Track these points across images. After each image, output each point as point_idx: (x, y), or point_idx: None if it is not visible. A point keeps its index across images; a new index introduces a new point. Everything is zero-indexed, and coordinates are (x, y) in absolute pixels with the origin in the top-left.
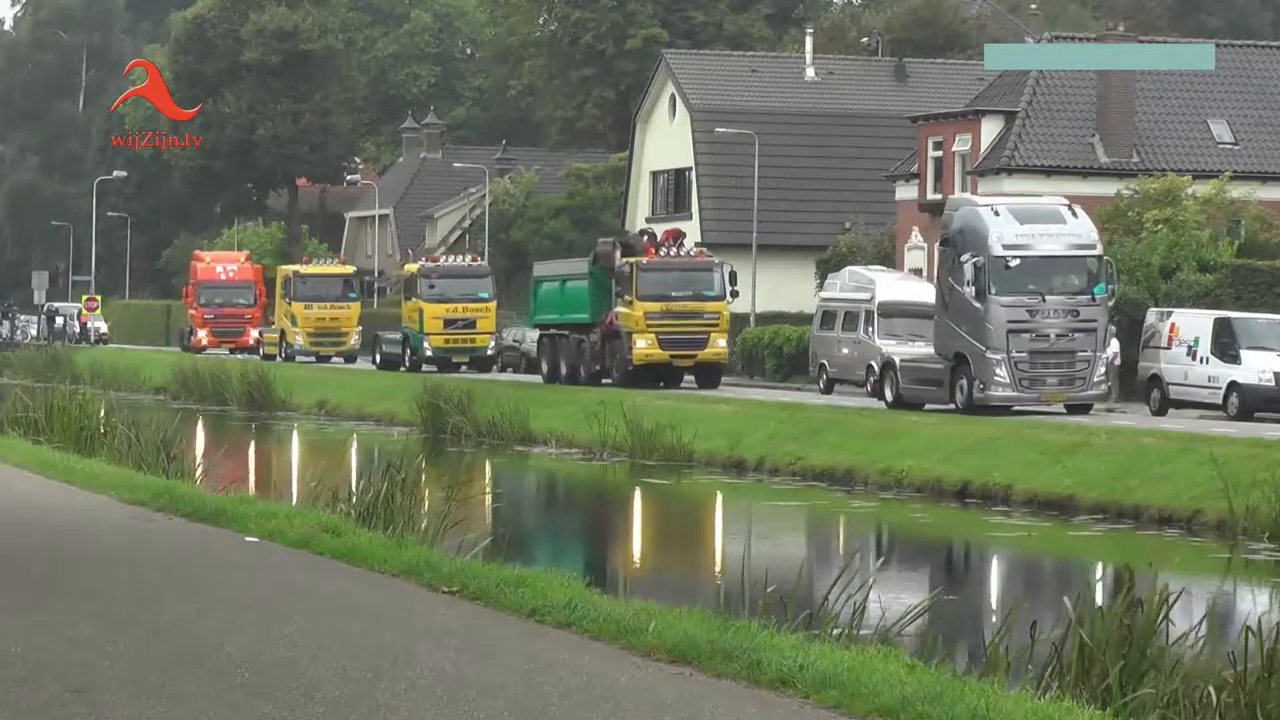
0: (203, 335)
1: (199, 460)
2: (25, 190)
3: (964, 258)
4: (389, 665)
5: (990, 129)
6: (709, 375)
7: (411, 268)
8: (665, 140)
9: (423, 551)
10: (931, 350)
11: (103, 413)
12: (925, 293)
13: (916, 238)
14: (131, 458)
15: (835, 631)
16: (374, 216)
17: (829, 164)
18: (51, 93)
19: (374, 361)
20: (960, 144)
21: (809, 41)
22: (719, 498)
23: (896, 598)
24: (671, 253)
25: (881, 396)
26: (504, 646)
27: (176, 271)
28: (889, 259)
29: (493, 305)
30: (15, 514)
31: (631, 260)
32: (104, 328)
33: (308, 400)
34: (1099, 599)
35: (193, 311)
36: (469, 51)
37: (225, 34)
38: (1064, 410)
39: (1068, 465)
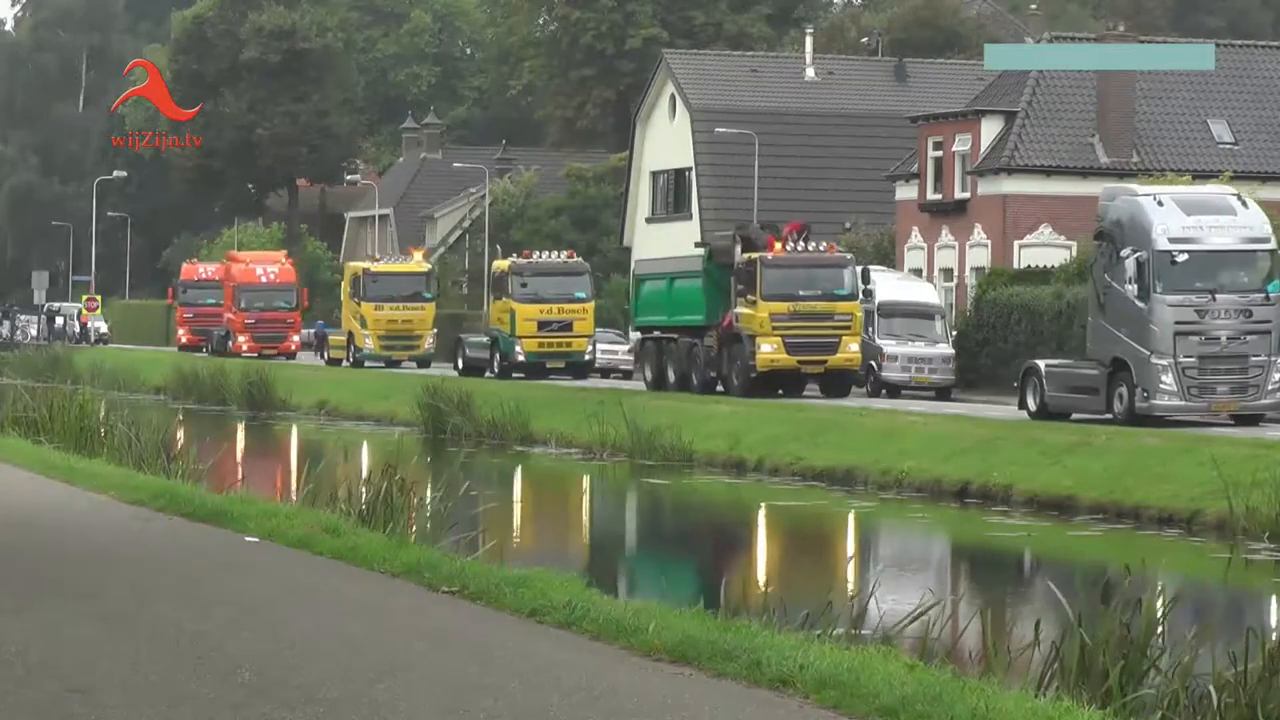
0: (242, 341)
1: (199, 460)
2: (25, 190)
3: (1124, 253)
4: (389, 665)
5: (990, 129)
6: (838, 383)
7: (502, 264)
8: (665, 140)
9: (423, 551)
10: (939, 351)
11: (103, 413)
12: (925, 293)
13: (916, 238)
14: (132, 458)
15: (835, 631)
16: (374, 216)
17: (829, 164)
18: (51, 93)
19: (455, 367)
20: (960, 144)
21: (809, 41)
22: (851, 518)
23: (897, 598)
24: (798, 247)
25: (1023, 405)
26: (504, 646)
27: (177, 272)
28: (889, 259)
29: (591, 306)
30: (16, 514)
31: (754, 255)
32: (104, 328)
33: (307, 400)
34: (1099, 599)
35: (231, 315)
36: (469, 51)
37: (224, 34)
38: (1231, 422)
39: (1068, 465)
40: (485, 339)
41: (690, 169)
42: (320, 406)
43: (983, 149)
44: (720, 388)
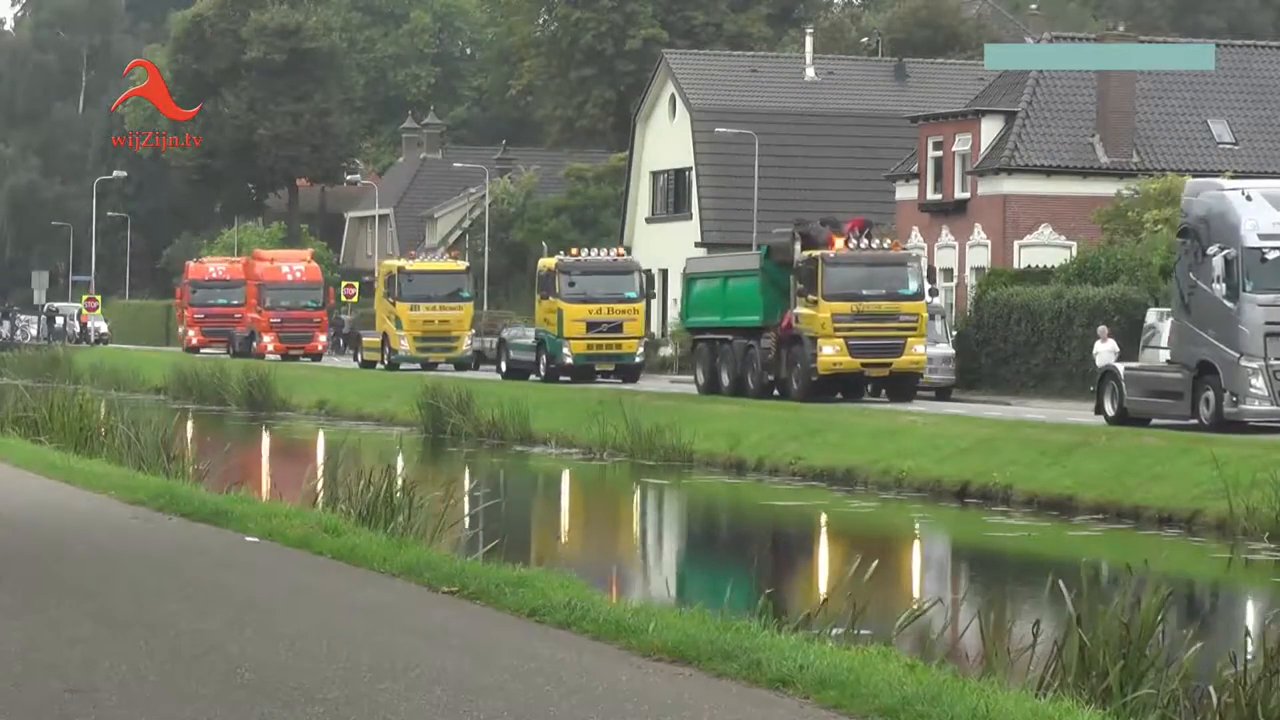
0: (268, 341)
1: (199, 460)
2: (25, 190)
3: (1210, 250)
4: (389, 665)
5: (990, 129)
6: (903, 387)
7: (548, 262)
8: (665, 140)
9: (423, 551)
10: (939, 351)
11: (103, 413)
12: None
13: (916, 238)
14: (131, 458)
15: (835, 631)
16: (374, 216)
17: (829, 164)
18: (52, 93)
19: (499, 370)
20: (960, 144)
21: (809, 41)
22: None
23: (896, 598)
24: (861, 244)
25: (1100, 410)
26: (504, 646)
27: (177, 272)
28: None
29: (641, 306)
30: (15, 514)
31: (815, 253)
32: (104, 328)
33: (307, 400)
34: (1098, 599)
35: (255, 316)
36: (469, 51)
37: (224, 33)
38: None
39: (1068, 465)
40: (530, 340)
41: (690, 169)
42: (320, 407)
43: (983, 149)
44: (776, 391)
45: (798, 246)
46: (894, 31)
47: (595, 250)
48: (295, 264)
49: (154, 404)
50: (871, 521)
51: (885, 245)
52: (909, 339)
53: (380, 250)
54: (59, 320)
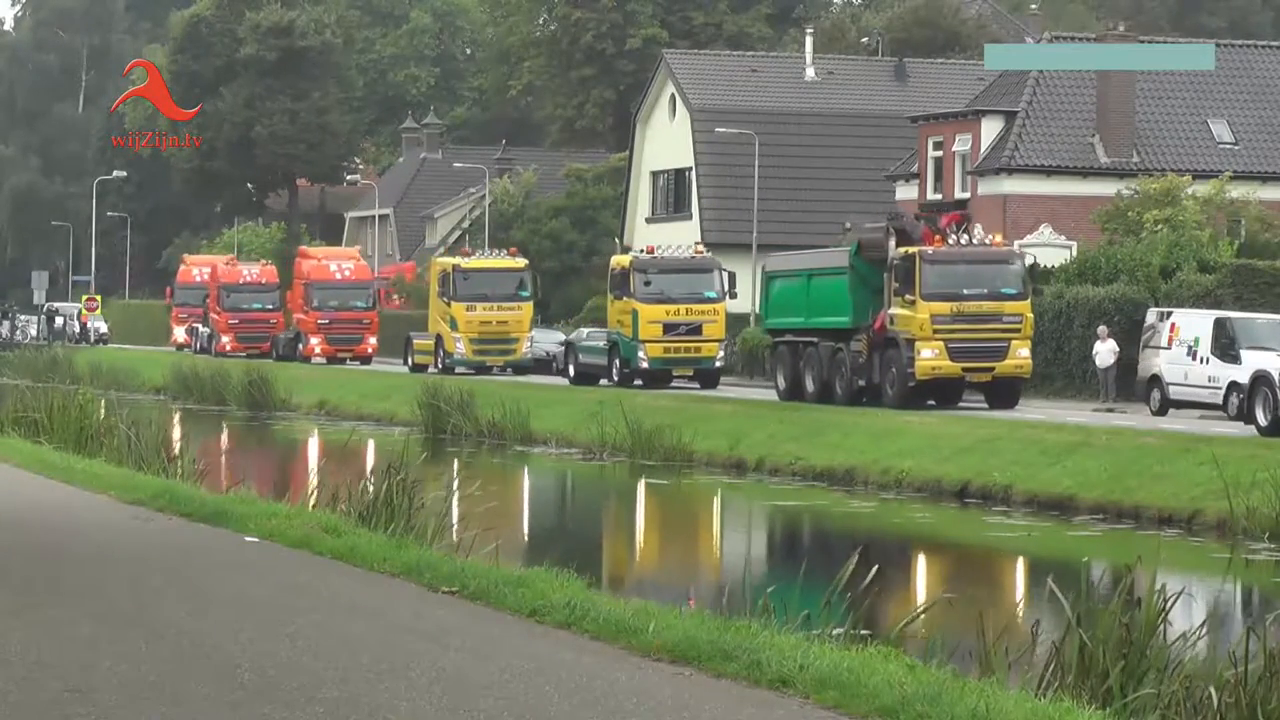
0: (315, 343)
1: (198, 460)
2: (25, 190)
3: None
4: (389, 665)
5: (990, 129)
6: (1005, 392)
7: (622, 260)
8: (665, 140)
9: (423, 551)
10: None
11: (102, 413)
12: None
13: None
14: (131, 458)
15: (835, 631)
16: (374, 216)
17: (829, 164)
18: (52, 93)
19: (567, 375)
20: (960, 144)
21: (809, 41)
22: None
23: (896, 598)
24: (961, 239)
25: (1250, 419)
26: (504, 646)
27: (177, 271)
28: None
29: (722, 306)
30: (15, 514)
31: (912, 250)
32: (104, 328)
33: (307, 400)
34: (1098, 599)
35: (301, 316)
36: (469, 51)
37: (223, 33)
38: None
39: (1068, 465)
40: (601, 343)
41: (690, 169)
42: (320, 406)
43: (983, 149)
44: (865, 398)
45: (892, 242)
46: (894, 31)
47: (672, 247)
48: (344, 262)
49: (154, 404)
50: (961, 532)
51: (986, 240)
52: (1013, 341)
53: (380, 251)
54: (59, 320)
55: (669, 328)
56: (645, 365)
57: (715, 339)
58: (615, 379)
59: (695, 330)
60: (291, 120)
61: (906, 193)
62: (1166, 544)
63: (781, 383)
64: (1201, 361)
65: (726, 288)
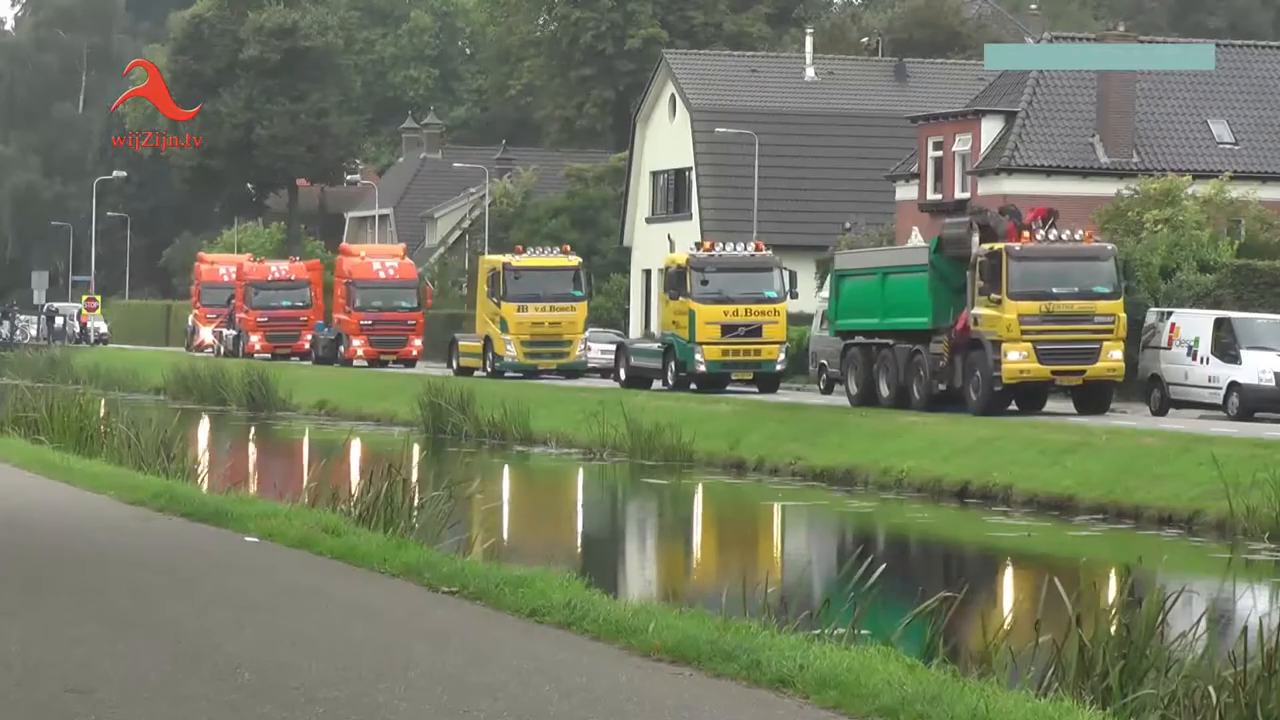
0: (358, 345)
1: (199, 460)
2: (25, 190)
3: None
4: (389, 665)
5: (990, 129)
6: (1095, 397)
7: (677, 258)
8: (665, 140)
9: (423, 551)
10: None
11: (103, 413)
12: None
13: (916, 238)
14: (131, 458)
15: (835, 631)
16: (374, 216)
17: (829, 164)
18: (52, 93)
19: (617, 378)
20: (960, 144)
21: (809, 41)
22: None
23: (897, 597)
24: (1049, 235)
25: None
26: (504, 646)
27: (177, 271)
28: None
29: (783, 307)
30: (15, 514)
31: (998, 246)
32: (104, 328)
33: (307, 400)
34: (1098, 599)
35: (343, 316)
36: (469, 51)
37: (223, 33)
38: None
39: (1068, 465)
40: (655, 345)
41: (690, 169)
42: (320, 406)
43: (983, 149)
44: (944, 403)
45: (975, 238)
46: (894, 31)
47: (731, 244)
48: (388, 260)
49: (154, 404)
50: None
51: (1077, 236)
52: (1105, 343)
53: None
54: (59, 320)
55: (727, 329)
56: (703, 368)
57: (776, 341)
58: (670, 382)
59: (755, 332)
60: (291, 121)
61: (906, 193)
62: (1166, 544)
63: (853, 387)
64: (1201, 361)
65: (788, 287)
